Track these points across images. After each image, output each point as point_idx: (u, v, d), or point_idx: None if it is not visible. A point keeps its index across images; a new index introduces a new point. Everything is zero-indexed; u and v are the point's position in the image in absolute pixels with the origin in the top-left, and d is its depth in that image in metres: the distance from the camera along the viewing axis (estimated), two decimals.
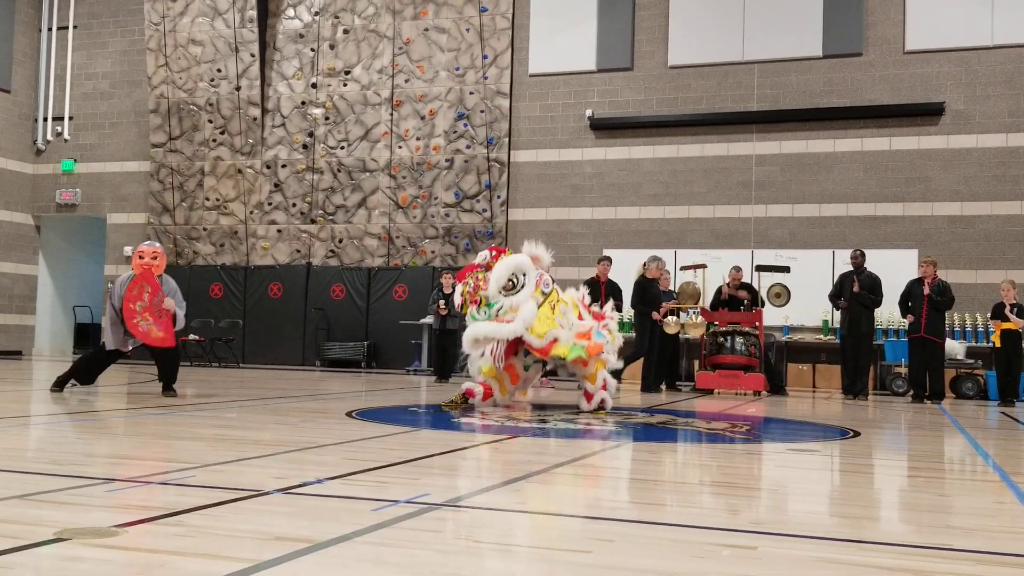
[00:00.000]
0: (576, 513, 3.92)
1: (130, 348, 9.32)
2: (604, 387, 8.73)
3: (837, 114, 16.36)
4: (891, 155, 16.10)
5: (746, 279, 14.07)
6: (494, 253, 8.75)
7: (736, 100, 16.93)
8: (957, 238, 15.69)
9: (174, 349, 9.41)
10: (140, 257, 9.20)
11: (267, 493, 3.92)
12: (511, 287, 8.51)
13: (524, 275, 8.53)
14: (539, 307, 8.47)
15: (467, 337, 8.60)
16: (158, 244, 9.57)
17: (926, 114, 15.93)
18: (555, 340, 8.46)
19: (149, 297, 9.02)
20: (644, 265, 13.38)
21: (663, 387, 13.74)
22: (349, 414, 7.93)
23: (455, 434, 6.99)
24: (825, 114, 16.42)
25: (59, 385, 9.30)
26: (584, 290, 9.64)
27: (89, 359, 9.55)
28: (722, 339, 13.18)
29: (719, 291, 13.85)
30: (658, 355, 13.55)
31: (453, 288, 14.78)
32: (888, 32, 16.25)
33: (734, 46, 16.91)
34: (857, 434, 7.68)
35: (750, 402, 11.58)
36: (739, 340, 13.05)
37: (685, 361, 15.44)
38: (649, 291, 13.30)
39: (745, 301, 13.64)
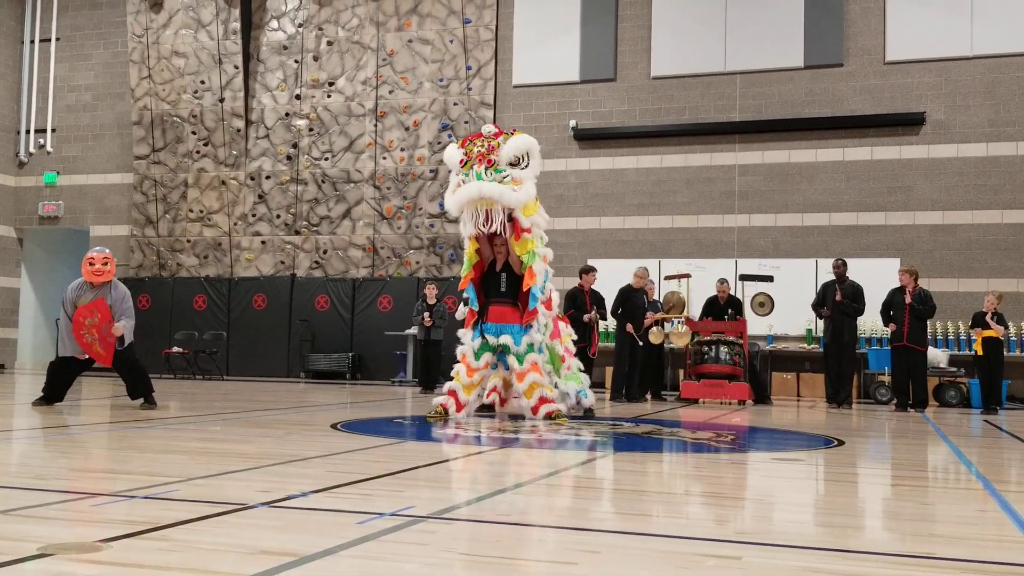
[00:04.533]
0: (562, 524, 3.92)
1: (84, 357, 9.23)
2: (543, 400, 8.82)
3: (819, 124, 16.46)
4: (873, 165, 16.21)
5: (730, 290, 14.15)
6: (496, 130, 8.93)
7: (719, 110, 17.02)
8: (939, 247, 15.80)
9: (128, 359, 9.30)
10: (91, 264, 9.15)
11: (252, 507, 3.91)
12: (516, 163, 8.70)
13: (529, 156, 8.77)
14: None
15: (471, 191, 8.60)
16: (108, 250, 9.47)
17: (907, 124, 16.05)
18: (524, 230, 8.82)
19: (100, 320, 9.01)
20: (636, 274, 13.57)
21: (648, 397, 13.77)
22: (334, 426, 7.91)
23: (440, 446, 6.99)
24: (807, 124, 16.52)
25: (44, 400, 9.27)
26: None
27: (53, 369, 9.48)
28: (706, 349, 13.21)
29: (715, 300, 13.78)
30: (643, 365, 13.58)
31: (438, 298, 14.89)
32: (868, 43, 16.37)
33: (716, 57, 17.00)
34: (841, 443, 7.71)
35: (735, 411, 11.61)
36: (723, 349, 13.08)
37: (670, 371, 15.47)
38: (631, 300, 13.33)
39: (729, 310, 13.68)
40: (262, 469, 5.16)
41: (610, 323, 14.18)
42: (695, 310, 14.23)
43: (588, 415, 9.68)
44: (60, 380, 9.44)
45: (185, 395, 12.16)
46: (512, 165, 8.66)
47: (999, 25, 15.73)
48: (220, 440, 6.85)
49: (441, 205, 18.13)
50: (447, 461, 5.96)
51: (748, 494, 5.08)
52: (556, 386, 9.36)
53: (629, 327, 13.18)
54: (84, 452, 6.17)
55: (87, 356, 9.20)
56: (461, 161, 8.76)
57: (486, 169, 8.58)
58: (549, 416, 8.73)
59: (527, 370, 8.86)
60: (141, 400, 9.31)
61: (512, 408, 10.02)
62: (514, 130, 9.07)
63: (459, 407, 8.94)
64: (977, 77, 15.87)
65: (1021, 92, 15.66)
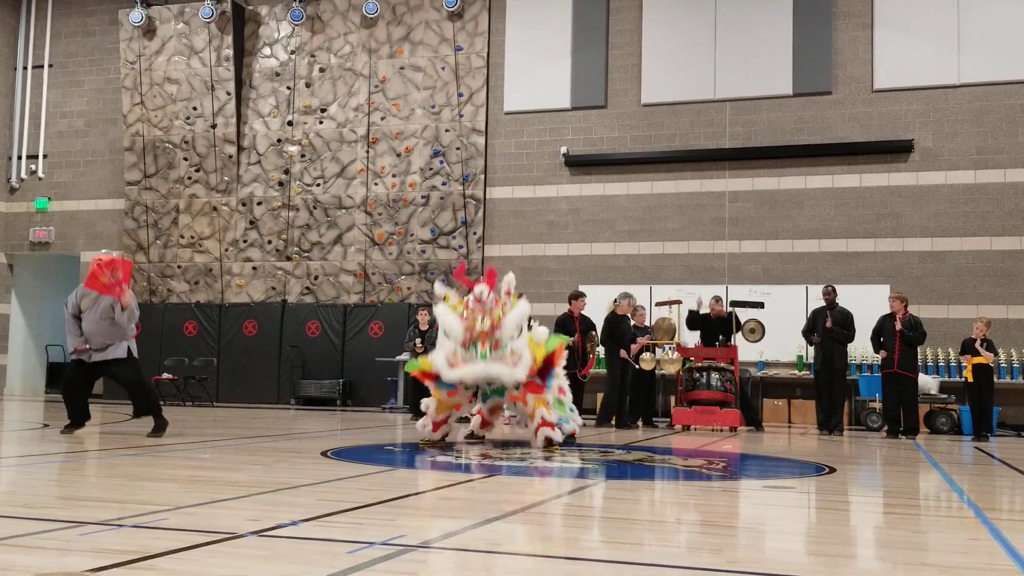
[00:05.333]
0: (553, 553, 3.91)
1: (88, 349, 9.16)
2: (543, 423, 8.74)
3: (808, 151, 16.56)
4: (862, 192, 16.30)
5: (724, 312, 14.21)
6: (490, 290, 8.64)
7: (709, 137, 17.11)
8: (928, 273, 15.86)
9: (134, 376, 9.27)
10: (98, 266, 9.17)
11: (241, 536, 3.89)
12: (518, 331, 8.66)
13: (527, 321, 8.74)
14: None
15: (478, 373, 8.53)
16: (115, 253, 9.49)
17: (895, 151, 16.16)
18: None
19: (120, 276, 9.09)
20: (615, 301, 13.40)
21: (639, 423, 13.75)
22: (324, 453, 7.88)
23: (431, 473, 6.97)
24: (796, 151, 16.62)
25: (72, 427, 9.22)
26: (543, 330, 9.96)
27: (66, 391, 9.42)
28: (698, 375, 13.22)
29: (706, 316, 13.75)
30: (634, 391, 13.57)
31: (430, 324, 14.87)
32: (857, 71, 16.50)
33: (706, 85, 17.11)
34: (833, 470, 7.71)
35: (726, 438, 11.60)
36: (715, 376, 13.09)
37: (661, 397, 15.46)
38: (619, 327, 13.29)
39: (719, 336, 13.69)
40: (252, 497, 5.14)
41: (602, 350, 14.16)
42: (685, 337, 14.27)
43: (569, 442, 9.64)
44: (77, 399, 9.33)
45: (175, 422, 12.08)
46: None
47: (985, 54, 15.88)
48: (210, 468, 6.82)
49: (433, 231, 18.17)
50: (438, 489, 5.94)
51: (740, 522, 5.07)
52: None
53: (624, 352, 13.17)
54: (73, 480, 6.13)
55: (88, 347, 9.11)
56: (464, 342, 8.56)
57: (491, 349, 8.45)
58: (547, 440, 8.67)
59: (525, 391, 8.77)
60: (153, 428, 9.23)
61: (497, 433, 9.99)
62: (509, 291, 8.83)
63: (435, 427, 8.91)
64: (964, 105, 16.00)
65: (1008, 120, 15.80)
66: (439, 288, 9.26)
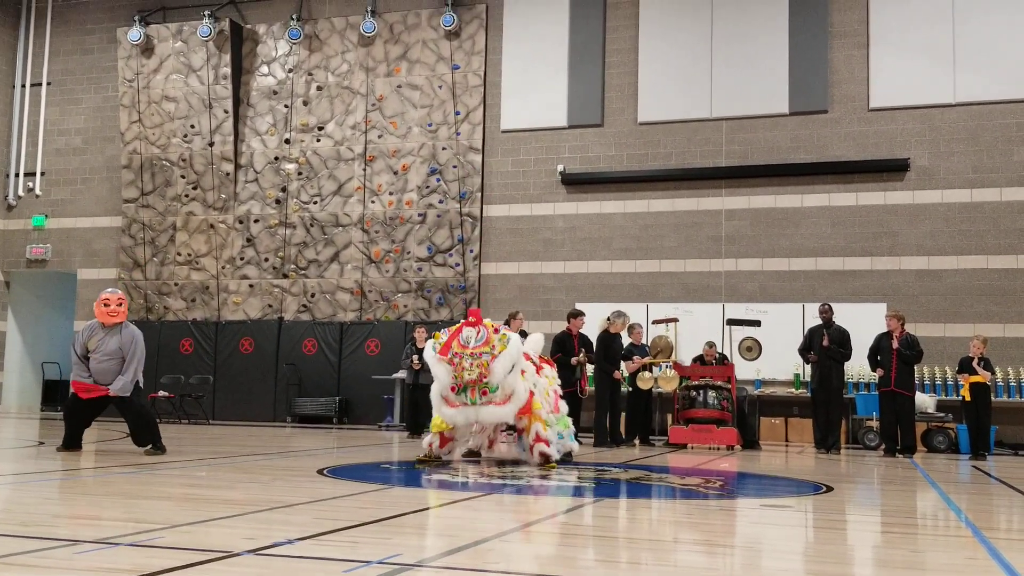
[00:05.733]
0: (549, 572, 3.89)
1: (90, 383, 9.16)
2: (538, 439, 8.75)
3: (804, 170, 16.60)
4: (858, 210, 16.33)
5: (715, 336, 14.32)
6: (479, 330, 8.67)
7: (705, 156, 17.16)
8: (925, 292, 15.88)
9: (136, 405, 9.26)
10: (106, 304, 9.18)
11: (237, 554, 3.87)
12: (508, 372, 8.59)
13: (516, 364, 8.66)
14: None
15: (469, 417, 8.64)
16: (121, 292, 9.52)
17: (891, 170, 16.21)
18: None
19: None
20: (608, 319, 13.35)
21: (636, 442, 13.72)
22: (320, 471, 7.86)
23: (428, 492, 6.95)
24: (792, 170, 16.66)
25: (67, 446, 9.20)
26: (538, 338, 9.91)
27: (67, 413, 9.41)
28: (695, 393, 13.21)
29: (700, 358, 14.04)
30: (631, 410, 13.55)
31: (427, 342, 14.83)
32: (853, 90, 16.57)
33: (702, 103, 17.17)
34: (830, 489, 7.70)
35: (723, 457, 11.58)
36: (712, 394, 13.08)
37: (658, 415, 15.44)
38: (612, 346, 13.22)
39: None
40: (247, 516, 5.12)
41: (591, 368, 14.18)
42: (683, 355, 14.31)
43: (566, 460, 9.63)
44: (75, 423, 9.30)
45: (171, 440, 12.03)
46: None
47: (981, 73, 15.95)
48: (205, 486, 6.80)
49: (430, 249, 18.18)
50: (434, 508, 5.92)
51: (737, 541, 5.06)
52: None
53: (617, 374, 13.15)
54: (68, 498, 6.11)
55: (90, 384, 9.14)
56: (453, 388, 8.57)
57: (480, 395, 8.48)
58: (543, 456, 8.66)
59: (525, 402, 8.76)
60: (148, 446, 9.22)
61: (500, 452, 9.97)
62: (495, 328, 8.78)
63: (443, 442, 8.89)
64: (960, 124, 16.06)
65: (1004, 139, 15.85)
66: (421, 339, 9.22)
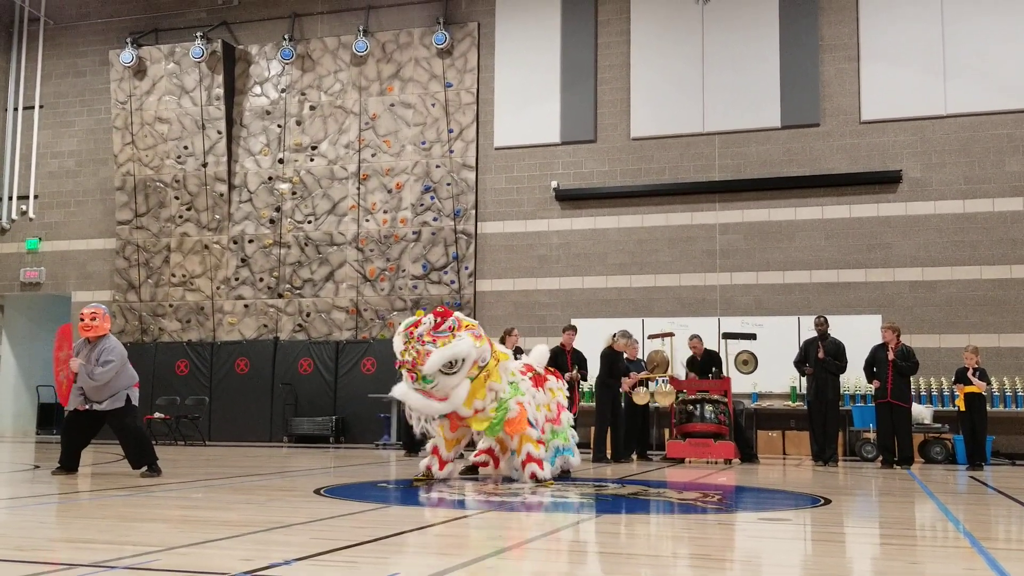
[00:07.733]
0: None
1: (85, 407, 9.13)
2: (529, 459, 8.69)
3: (797, 183, 16.65)
4: (851, 222, 16.37)
5: (711, 346, 14.30)
6: (438, 319, 8.45)
7: (698, 170, 17.20)
8: (919, 303, 15.91)
9: (128, 425, 9.21)
10: (80, 320, 9.19)
11: None
12: (449, 368, 8.32)
13: (463, 361, 8.34)
14: (473, 380, 8.45)
15: (396, 396, 8.67)
16: (102, 306, 9.45)
17: (884, 182, 16.26)
18: (478, 411, 8.57)
19: (65, 357, 9.06)
20: (612, 337, 13.36)
21: (634, 457, 13.70)
22: (318, 491, 7.83)
23: (425, 510, 6.93)
24: (785, 183, 16.70)
25: (63, 465, 9.16)
26: (543, 350, 9.94)
27: (64, 432, 9.38)
28: (692, 407, 13.20)
29: (692, 359, 13.98)
30: (628, 424, 13.54)
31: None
32: (844, 103, 16.64)
33: (694, 118, 17.23)
34: (828, 501, 7.69)
35: (721, 470, 11.57)
36: (708, 408, 13.07)
37: (655, 430, 15.42)
38: (616, 364, 13.23)
39: (713, 368, 13.73)
40: (244, 537, 5.10)
41: (590, 384, 14.15)
42: (678, 369, 14.31)
43: (565, 475, 9.60)
44: (72, 444, 9.25)
45: (167, 461, 12.00)
46: (445, 371, 8.27)
47: (972, 84, 16.02)
48: (202, 507, 6.77)
49: (425, 267, 18.19)
50: (432, 526, 5.90)
51: (736, 555, 5.05)
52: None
53: (625, 386, 13.20)
54: (64, 521, 6.08)
55: (87, 407, 9.09)
56: (396, 363, 8.46)
57: (415, 380, 8.27)
58: (533, 477, 8.63)
59: (515, 417, 8.71)
60: (144, 468, 9.18)
61: (505, 471, 9.94)
62: (459, 323, 8.49)
63: (442, 464, 8.87)
64: (952, 135, 16.13)
65: (995, 150, 15.92)
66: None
